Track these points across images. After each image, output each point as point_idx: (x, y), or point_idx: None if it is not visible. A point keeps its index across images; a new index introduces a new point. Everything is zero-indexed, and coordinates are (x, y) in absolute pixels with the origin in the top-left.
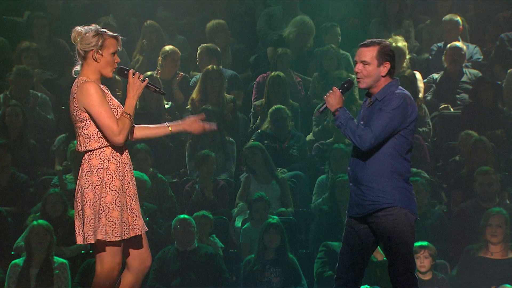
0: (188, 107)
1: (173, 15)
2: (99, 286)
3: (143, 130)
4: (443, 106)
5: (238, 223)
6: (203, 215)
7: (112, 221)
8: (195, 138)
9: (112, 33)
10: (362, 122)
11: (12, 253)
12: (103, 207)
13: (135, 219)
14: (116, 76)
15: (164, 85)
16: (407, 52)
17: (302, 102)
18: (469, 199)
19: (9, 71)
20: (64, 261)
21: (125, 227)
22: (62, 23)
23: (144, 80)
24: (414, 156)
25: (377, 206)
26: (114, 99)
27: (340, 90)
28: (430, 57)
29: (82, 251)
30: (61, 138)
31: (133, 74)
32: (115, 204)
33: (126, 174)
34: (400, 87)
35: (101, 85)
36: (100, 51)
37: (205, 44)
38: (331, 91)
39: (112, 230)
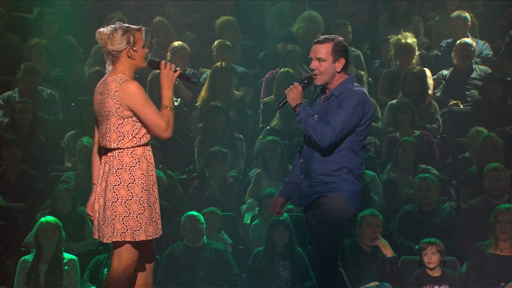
0: (197, 104)
1: (182, 12)
2: (114, 281)
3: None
4: (452, 102)
5: (247, 220)
6: (211, 211)
7: (149, 220)
8: (204, 134)
9: (135, 26)
10: (316, 116)
11: (22, 249)
12: (141, 205)
13: (159, 218)
14: None
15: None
16: (416, 48)
17: (311, 99)
18: (479, 195)
19: (19, 68)
20: (73, 257)
21: (156, 226)
22: (71, 20)
23: (176, 70)
24: (423, 152)
25: (323, 194)
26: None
27: (301, 86)
28: (440, 53)
29: (92, 247)
30: (70, 135)
31: (165, 65)
32: (147, 203)
33: (153, 174)
34: (355, 83)
35: None
36: (134, 48)
37: (222, 40)
38: (292, 86)
39: (148, 229)
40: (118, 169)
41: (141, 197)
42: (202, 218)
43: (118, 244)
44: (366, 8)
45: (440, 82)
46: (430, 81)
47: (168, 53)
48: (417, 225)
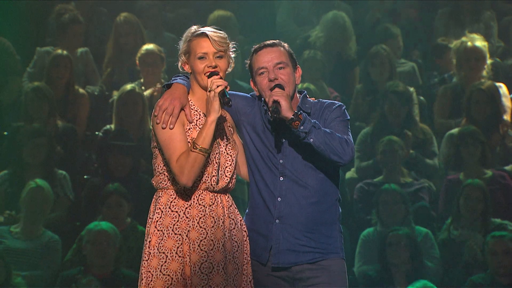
0: None
1: (159, 5)
2: None
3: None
4: None
5: None
6: None
7: None
8: None
9: None
10: (283, 139)
11: None
12: (146, 272)
13: None
14: (80, 90)
15: (151, 102)
16: (488, 55)
17: None
18: None
19: None
20: None
21: None
22: (4, 18)
23: (225, 98)
24: (498, 201)
25: (319, 255)
26: (197, 131)
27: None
28: None
29: None
30: (2, 177)
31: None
32: (160, 271)
33: (190, 234)
34: None
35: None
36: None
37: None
38: (276, 91)
39: None
40: (148, 218)
41: (148, 260)
42: None
43: None
44: (418, 0)
45: None
46: (506, 102)
47: (137, 62)
48: None
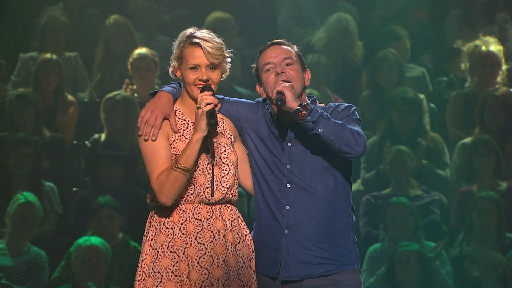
0: None
1: (155, 7)
2: None
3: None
4: None
5: None
6: None
7: None
8: None
9: None
10: (289, 144)
11: None
12: None
13: None
14: (69, 97)
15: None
16: (503, 60)
17: None
18: None
19: None
20: None
21: None
22: None
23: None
24: None
25: (333, 268)
26: (183, 142)
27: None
28: None
29: None
30: None
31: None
32: None
33: (187, 251)
34: None
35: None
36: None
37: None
38: (281, 83)
39: None
40: (143, 236)
41: (141, 280)
42: None
43: None
44: (428, 1)
45: None
46: None
47: (128, 67)
48: None
